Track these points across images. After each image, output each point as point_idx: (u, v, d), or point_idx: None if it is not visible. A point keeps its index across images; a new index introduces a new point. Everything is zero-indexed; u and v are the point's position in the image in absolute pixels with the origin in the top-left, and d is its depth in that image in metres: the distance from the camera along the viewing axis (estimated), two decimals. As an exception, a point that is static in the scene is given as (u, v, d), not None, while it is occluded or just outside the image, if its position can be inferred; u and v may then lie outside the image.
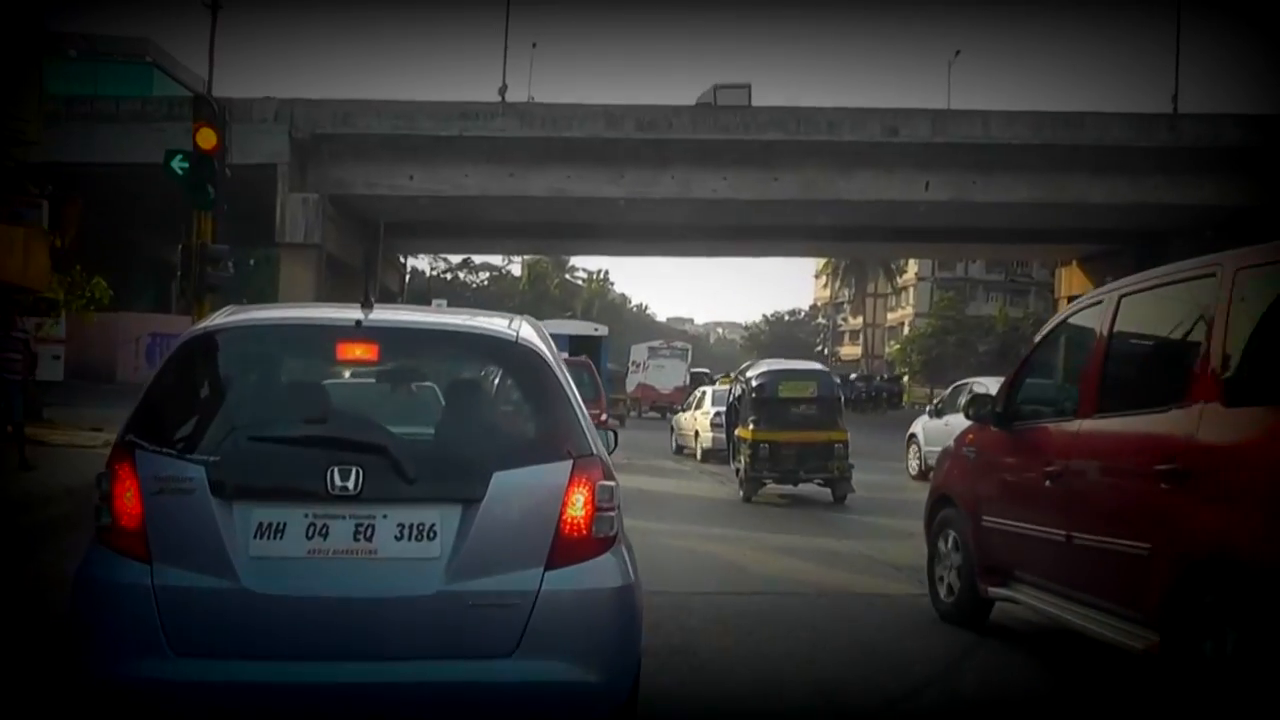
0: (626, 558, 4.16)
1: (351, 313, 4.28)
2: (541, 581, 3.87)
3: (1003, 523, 6.83)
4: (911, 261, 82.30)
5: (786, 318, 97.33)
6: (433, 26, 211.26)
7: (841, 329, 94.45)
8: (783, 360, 20.69)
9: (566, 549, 3.92)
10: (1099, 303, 6.41)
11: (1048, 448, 6.36)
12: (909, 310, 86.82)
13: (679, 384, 41.70)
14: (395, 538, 3.85)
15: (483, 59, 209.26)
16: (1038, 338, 7.53)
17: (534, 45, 49.88)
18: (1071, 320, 7.03)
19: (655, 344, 48.59)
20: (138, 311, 39.51)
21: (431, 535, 3.86)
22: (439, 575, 3.82)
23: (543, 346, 4.33)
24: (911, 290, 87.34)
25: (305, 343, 4.58)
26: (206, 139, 14.70)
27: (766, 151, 36.23)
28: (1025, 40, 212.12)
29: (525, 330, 4.41)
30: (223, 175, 15.12)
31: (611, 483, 4.07)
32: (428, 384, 5.62)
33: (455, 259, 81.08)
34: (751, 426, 15.40)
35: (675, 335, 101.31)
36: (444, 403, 4.87)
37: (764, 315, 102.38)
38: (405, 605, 3.81)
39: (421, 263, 75.91)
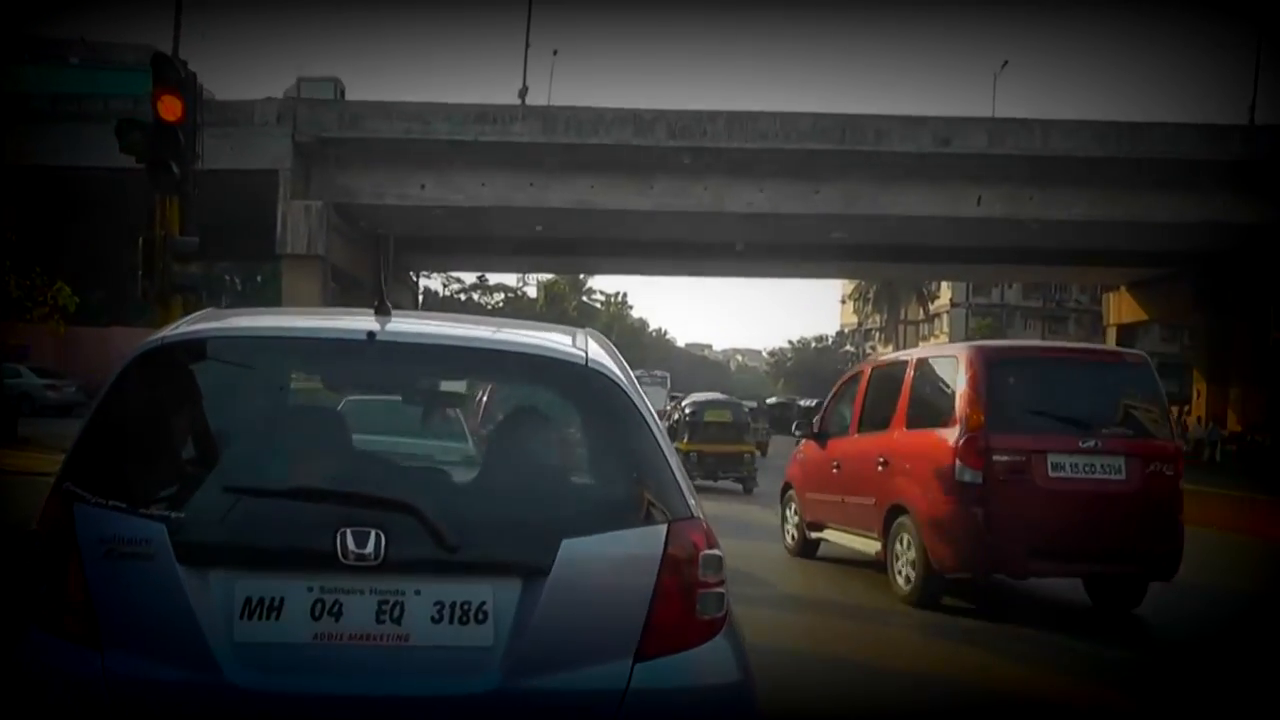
0: (740, 644, 3.23)
1: (362, 321, 3.37)
2: (630, 677, 2.98)
3: (816, 495, 11.33)
4: (945, 286, 79.98)
5: (814, 344, 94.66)
6: (448, 32, 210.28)
7: (870, 357, 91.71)
8: (708, 393, 28.63)
9: (663, 635, 3.03)
10: (861, 371, 11.52)
11: (835, 451, 11.01)
12: (943, 337, 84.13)
13: (660, 409, 41.83)
14: (433, 619, 2.94)
15: (499, 66, 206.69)
16: (835, 389, 12.07)
17: (555, 52, 46.77)
18: (850, 379, 11.79)
19: (638, 373, 49.06)
20: (141, 327, 37.13)
21: (481, 617, 2.96)
22: (494, 669, 2.93)
23: (619, 371, 3.41)
24: (945, 316, 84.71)
25: (299, 360, 3.68)
26: (170, 108, 12.26)
27: (808, 162, 33.74)
28: (1072, 52, 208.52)
29: (595, 349, 3.48)
30: (191, 151, 12.60)
31: (718, 552, 3.18)
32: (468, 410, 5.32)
33: (469, 279, 78.75)
34: (686, 440, 20.73)
35: (695, 361, 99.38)
36: (494, 444, 4.16)
37: (790, 341, 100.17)
38: (450, 709, 2.92)
39: (434, 283, 73.59)
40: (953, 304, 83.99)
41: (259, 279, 56.79)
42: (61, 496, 3.04)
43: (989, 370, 8.86)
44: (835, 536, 10.89)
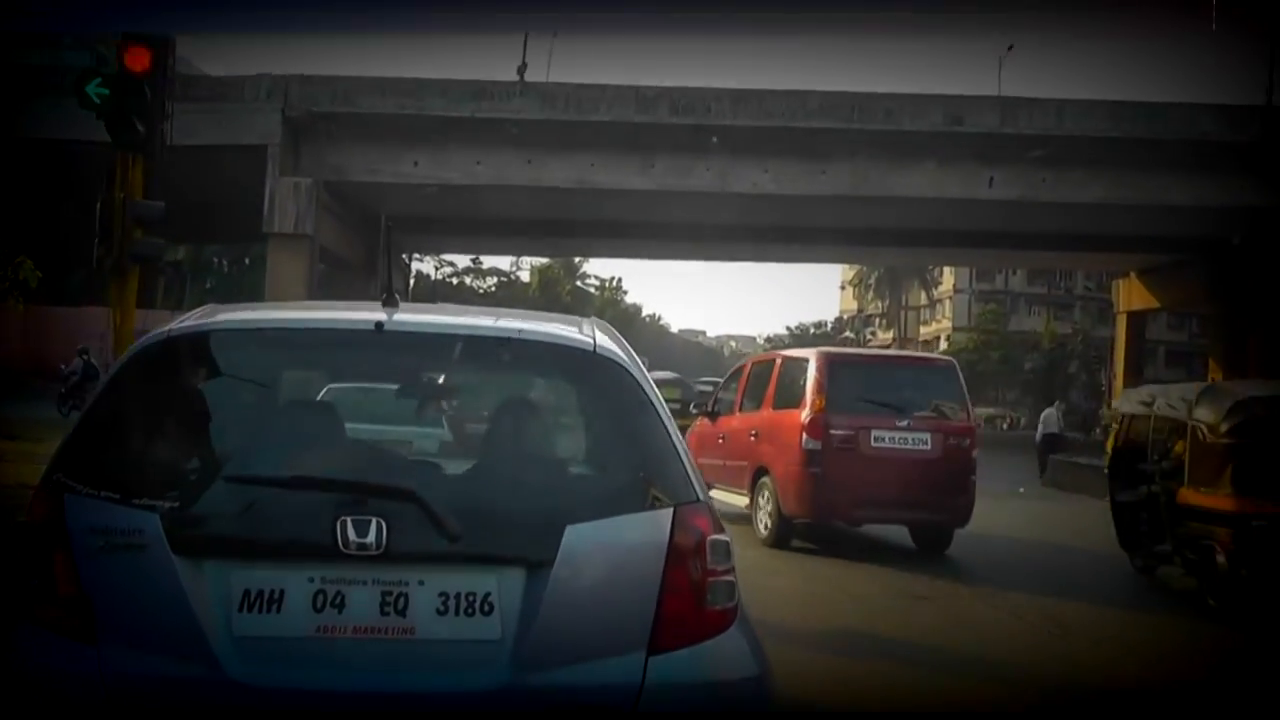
0: (754, 636, 3.18)
1: (369, 313, 3.32)
2: (645, 670, 2.91)
3: (704, 460, 12.41)
4: (948, 272, 78.94)
5: (812, 330, 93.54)
6: (445, 14, 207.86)
7: (870, 344, 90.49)
8: (662, 372, 30.46)
9: (674, 627, 2.97)
10: (744, 366, 14.75)
11: (722, 426, 13.89)
12: (945, 324, 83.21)
13: None
14: (438, 611, 2.88)
15: (499, 49, 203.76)
16: (726, 376, 16.00)
17: (554, 35, 44.95)
18: (737, 370, 14.96)
19: None
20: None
21: (487, 609, 2.89)
22: (503, 663, 2.87)
23: (626, 358, 3.39)
24: (949, 302, 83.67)
25: (306, 354, 3.66)
26: (136, 58, 11.10)
27: (815, 141, 32.54)
28: (1082, 31, 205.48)
29: (602, 337, 3.45)
30: (160, 109, 11.44)
31: (726, 537, 3.15)
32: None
33: (461, 262, 77.28)
34: None
35: (690, 348, 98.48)
36: (495, 431, 3.74)
37: (788, 327, 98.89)
38: (460, 704, 2.85)
39: (426, 266, 72.20)
40: (956, 290, 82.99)
41: (246, 261, 55.56)
42: (51, 487, 2.98)
43: (830, 369, 11.95)
44: (715, 494, 13.38)
